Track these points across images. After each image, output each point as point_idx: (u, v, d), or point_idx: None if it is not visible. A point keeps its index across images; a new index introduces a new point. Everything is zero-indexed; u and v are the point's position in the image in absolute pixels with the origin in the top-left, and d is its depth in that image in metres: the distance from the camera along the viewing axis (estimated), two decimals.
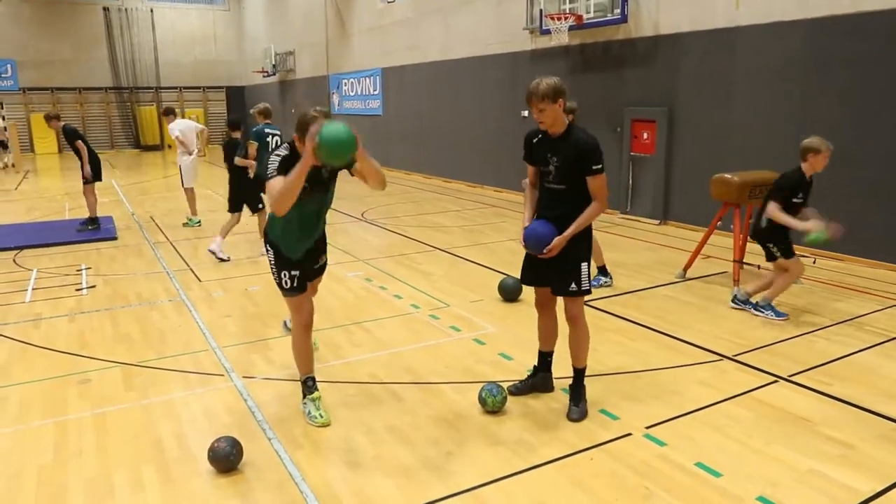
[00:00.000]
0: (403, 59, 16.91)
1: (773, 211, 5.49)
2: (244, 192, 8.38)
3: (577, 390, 4.05)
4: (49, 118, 9.80)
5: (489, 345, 5.19)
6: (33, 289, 6.96)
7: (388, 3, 17.37)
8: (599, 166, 3.72)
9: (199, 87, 28.91)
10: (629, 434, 3.77)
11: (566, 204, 3.80)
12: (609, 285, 6.71)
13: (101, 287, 7.01)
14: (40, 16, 25.66)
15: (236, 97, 28.84)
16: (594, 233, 6.53)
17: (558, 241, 3.75)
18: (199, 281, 7.21)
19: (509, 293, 6.23)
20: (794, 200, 5.51)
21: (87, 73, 26.77)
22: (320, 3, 20.88)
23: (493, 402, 3.99)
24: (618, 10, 10.20)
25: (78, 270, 7.69)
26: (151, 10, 27.61)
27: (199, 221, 10.56)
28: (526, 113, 12.75)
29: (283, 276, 3.82)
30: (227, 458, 3.40)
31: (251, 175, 8.28)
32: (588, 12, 10.59)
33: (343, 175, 3.90)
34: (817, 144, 5.50)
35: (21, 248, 8.83)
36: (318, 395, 4.01)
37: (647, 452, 3.57)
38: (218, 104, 29.16)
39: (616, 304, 6.16)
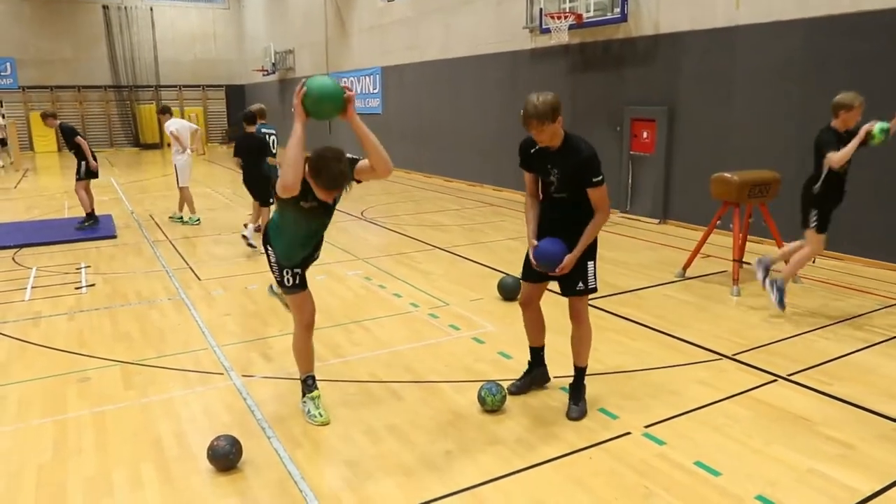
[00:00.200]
0: (403, 58, 16.90)
1: (835, 156, 5.30)
2: (259, 184, 8.47)
3: (577, 389, 4.06)
4: (46, 116, 9.77)
5: (488, 343, 5.19)
6: (32, 287, 6.96)
7: (388, 1, 17.36)
8: (600, 178, 3.70)
9: (198, 86, 28.88)
10: (628, 433, 3.77)
11: (570, 209, 3.80)
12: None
13: (100, 285, 7.00)
14: (40, 14, 25.64)
15: (236, 96, 28.82)
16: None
17: (570, 260, 3.76)
18: (199, 279, 7.21)
19: (508, 292, 6.23)
20: (843, 165, 5.40)
21: (86, 72, 26.74)
22: (320, 2, 20.86)
23: (492, 401, 3.99)
24: (618, 10, 10.20)
25: (77, 269, 7.69)
26: (151, 9, 27.58)
27: (199, 220, 10.56)
28: None
29: (284, 274, 3.82)
30: (226, 456, 3.40)
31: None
32: (588, 11, 10.59)
33: None
34: (849, 100, 5.39)
35: (20, 246, 8.82)
36: (318, 393, 4.01)
37: (646, 451, 3.57)
38: (217, 103, 29.13)
39: (615, 304, 6.16)
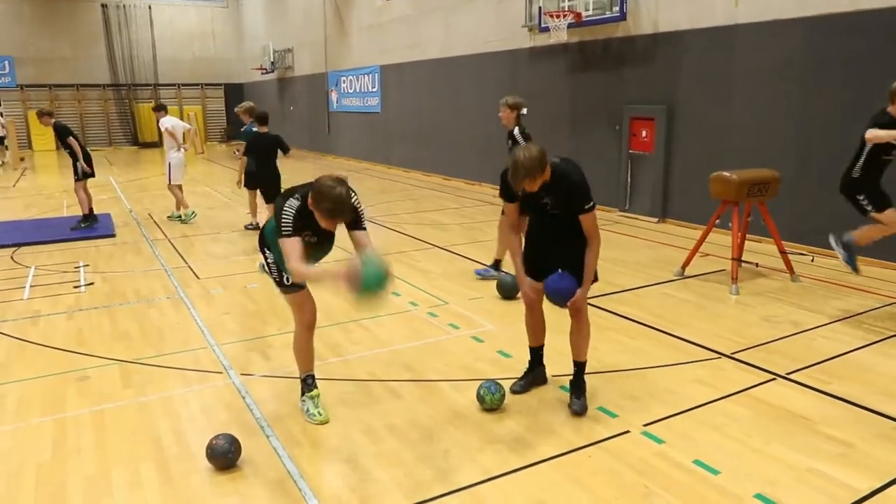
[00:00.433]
0: (402, 56, 16.89)
1: (874, 131, 5.24)
2: (272, 183, 8.60)
3: (578, 384, 4.08)
4: (41, 114, 9.74)
5: (488, 342, 5.19)
6: (31, 286, 6.95)
7: (387, 0, 17.34)
8: (590, 203, 3.73)
9: (197, 85, 28.85)
10: (627, 432, 3.77)
11: (568, 221, 3.80)
12: (495, 278, 6.75)
13: (99, 284, 7.00)
14: (39, 13, 25.60)
15: (235, 94, 28.77)
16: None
17: (581, 294, 3.80)
18: (198, 278, 7.20)
19: (508, 291, 6.23)
20: (885, 157, 5.38)
21: (85, 71, 26.70)
22: (319, 1, 20.84)
23: (491, 400, 3.99)
24: (617, 8, 10.19)
25: (76, 268, 7.68)
26: (150, 7, 27.54)
27: (195, 213, 10.56)
28: (526, 111, 12.72)
29: (283, 274, 3.81)
30: (225, 455, 3.40)
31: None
32: (587, 10, 10.58)
33: None
34: None
35: (19, 245, 8.82)
36: (317, 392, 4.01)
37: (645, 450, 3.58)
38: (216, 101, 29.11)
39: (614, 302, 6.16)
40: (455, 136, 15.14)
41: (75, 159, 9.62)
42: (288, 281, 3.82)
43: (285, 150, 8.95)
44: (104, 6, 26.77)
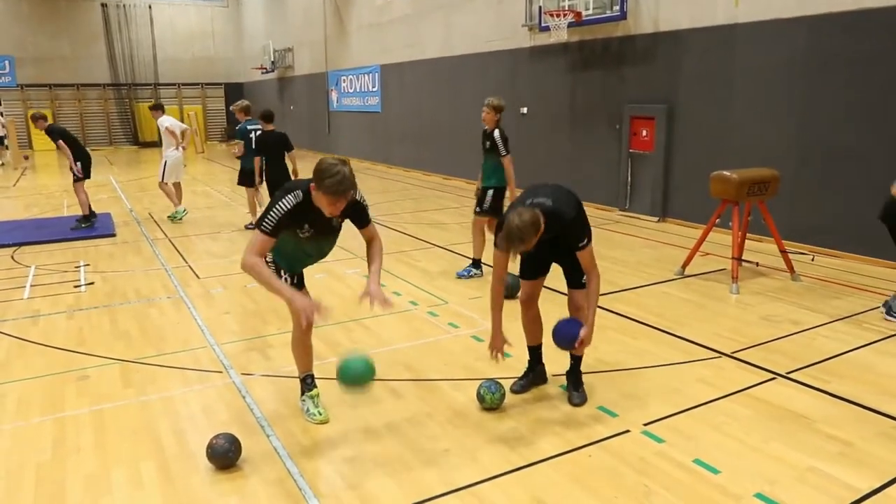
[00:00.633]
0: (403, 56, 16.88)
1: None
2: (282, 180, 8.68)
3: (575, 376, 4.12)
4: (35, 119, 9.77)
5: (487, 341, 5.17)
6: (31, 285, 6.95)
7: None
8: (584, 242, 3.73)
9: (197, 84, 28.86)
10: (627, 431, 3.77)
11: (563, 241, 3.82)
12: (479, 276, 6.94)
13: (99, 284, 7.00)
14: (39, 12, 25.60)
15: (235, 94, 28.71)
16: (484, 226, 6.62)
17: (587, 335, 3.78)
18: (198, 278, 7.20)
19: (508, 290, 6.19)
20: None
21: (85, 70, 26.71)
22: (319, 0, 20.84)
23: (491, 399, 3.99)
24: (617, 7, 10.18)
25: (76, 267, 7.68)
26: (150, 7, 27.55)
27: (185, 210, 10.57)
28: (525, 110, 12.75)
29: (282, 275, 3.80)
30: (225, 454, 3.40)
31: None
32: (587, 9, 10.57)
33: None
34: None
35: (19, 244, 8.82)
36: (317, 392, 4.01)
37: (645, 449, 3.57)
38: (216, 101, 29.11)
39: (614, 301, 6.16)
40: (455, 136, 15.13)
41: (77, 159, 9.64)
42: (286, 282, 3.81)
43: (289, 149, 8.98)
44: (104, 5, 26.78)
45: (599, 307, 5.88)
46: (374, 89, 18.52)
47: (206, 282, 7.04)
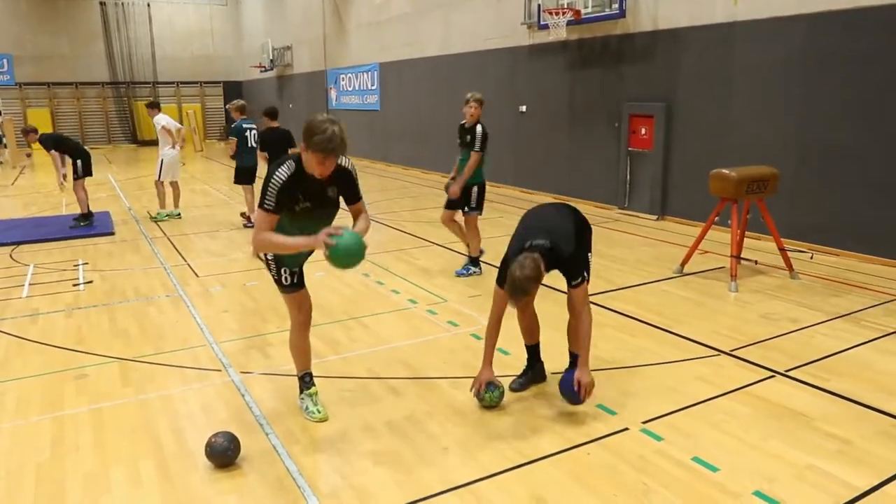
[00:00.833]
0: (401, 54, 16.88)
1: None
2: None
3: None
4: (27, 133, 9.81)
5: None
6: (30, 284, 6.94)
7: None
8: (579, 280, 3.79)
9: (196, 82, 28.83)
10: (626, 429, 3.77)
11: None
12: (479, 274, 6.96)
13: (98, 282, 7.00)
14: (37, 10, 25.56)
15: (234, 92, 28.69)
16: (478, 222, 6.85)
17: (581, 376, 3.83)
18: (197, 276, 7.20)
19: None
20: None
21: (84, 68, 26.68)
22: None
23: (489, 398, 3.99)
24: (616, 5, 10.18)
25: (75, 266, 7.68)
26: (148, 5, 27.52)
27: (168, 215, 10.60)
28: (524, 108, 12.75)
29: (282, 272, 3.80)
30: (224, 453, 3.40)
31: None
32: (586, 7, 10.57)
33: None
34: None
35: (18, 243, 8.81)
36: (315, 390, 4.01)
37: (644, 447, 3.58)
38: (215, 99, 29.08)
39: (614, 300, 6.16)
40: (454, 134, 15.04)
41: (77, 158, 9.66)
42: (286, 280, 3.81)
43: (293, 146, 9.02)
44: (102, 4, 26.74)
45: (599, 305, 5.91)
46: (373, 88, 18.51)
47: (204, 280, 7.04)
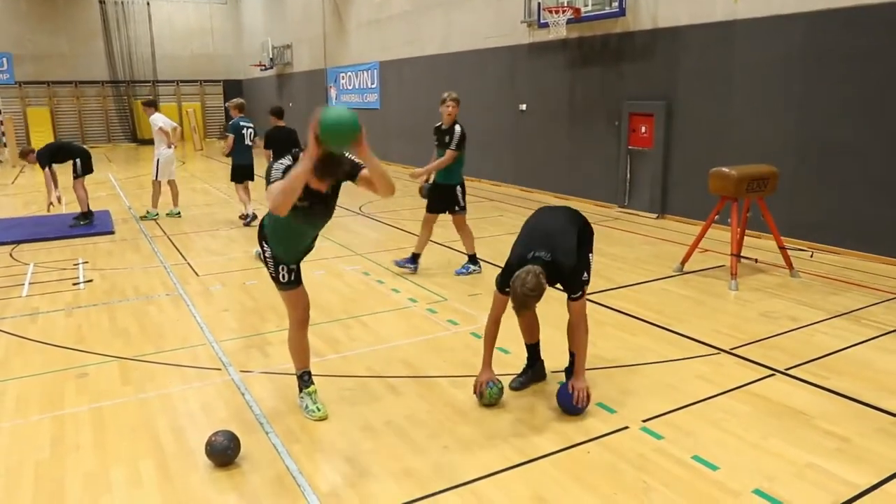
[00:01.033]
0: (401, 52, 16.86)
1: None
2: None
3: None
4: (24, 154, 9.84)
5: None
6: (30, 283, 6.94)
7: None
8: (578, 294, 3.83)
9: (196, 81, 28.81)
10: (626, 427, 3.77)
11: None
12: (479, 272, 6.96)
13: (98, 281, 6.99)
14: (37, 9, 25.54)
15: (234, 91, 28.67)
16: (468, 222, 6.88)
17: (576, 384, 3.87)
18: (197, 275, 7.20)
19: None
20: None
21: (83, 67, 26.65)
22: None
23: (489, 394, 4.00)
24: (616, 4, 10.17)
25: (75, 265, 7.68)
26: (148, 4, 27.49)
27: (157, 214, 10.66)
28: (524, 107, 12.74)
29: (279, 269, 3.81)
30: (224, 452, 3.40)
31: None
32: (586, 5, 10.55)
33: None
34: None
35: (18, 242, 8.81)
36: (314, 389, 4.01)
37: (644, 446, 3.58)
38: (215, 98, 29.06)
39: (614, 298, 6.16)
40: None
41: (75, 157, 9.71)
42: (283, 277, 3.81)
43: (297, 146, 9.06)
44: (102, 2, 26.71)
45: (598, 303, 5.90)
46: (373, 86, 18.50)
47: (204, 279, 7.03)
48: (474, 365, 4.66)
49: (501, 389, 4.06)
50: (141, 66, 27.57)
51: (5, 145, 20.38)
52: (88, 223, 9.80)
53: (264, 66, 24.89)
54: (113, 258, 8.03)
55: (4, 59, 25.15)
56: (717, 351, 4.89)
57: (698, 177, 8.25)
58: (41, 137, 25.31)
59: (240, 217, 10.14)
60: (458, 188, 6.88)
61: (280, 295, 3.94)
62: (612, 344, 5.02)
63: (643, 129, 10.25)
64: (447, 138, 6.73)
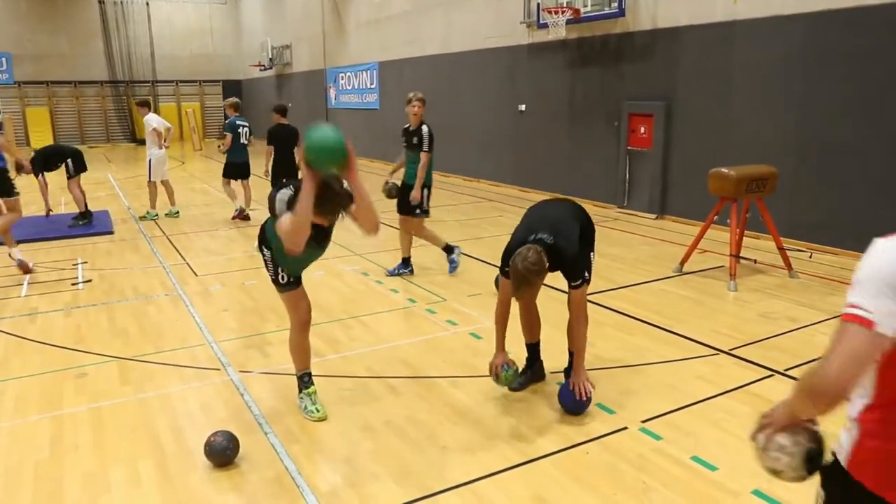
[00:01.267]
0: (401, 53, 16.86)
1: None
2: (290, 172, 8.85)
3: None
4: (20, 168, 9.84)
5: (486, 339, 5.18)
6: (29, 283, 6.94)
7: None
8: (579, 281, 3.80)
9: (195, 81, 28.81)
10: (625, 428, 3.77)
11: None
12: (411, 273, 6.98)
13: (97, 281, 6.99)
14: (36, 9, 25.53)
15: (233, 91, 28.66)
16: (427, 223, 6.75)
17: (575, 379, 3.87)
18: (196, 275, 7.19)
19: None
20: None
21: (83, 67, 26.64)
22: None
23: (506, 377, 3.97)
24: (615, 4, 10.17)
25: (74, 265, 7.67)
26: (147, 4, 27.48)
27: (157, 214, 10.66)
28: (523, 107, 12.74)
29: (279, 271, 3.81)
30: (223, 452, 3.40)
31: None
32: (585, 6, 10.56)
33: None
34: None
35: (17, 242, 8.77)
36: (314, 389, 4.01)
37: (643, 446, 3.58)
38: (215, 98, 29.05)
39: (613, 299, 6.16)
40: (453, 133, 15.09)
41: (69, 157, 9.74)
42: (283, 279, 3.81)
43: (299, 144, 9.14)
44: (101, 3, 26.69)
45: (598, 304, 5.90)
46: (373, 86, 18.49)
47: (204, 279, 7.03)
48: (474, 365, 4.68)
49: (517, 371, 4.04)
50: (140, 66, 27.56)
51: None
52: (87, 223, 9.80)
53: (263, 66, 24.90)
54: (112, 258, 8.03)
55: (4, 59, 25.17)
56: (716, 351, 4.90)
57: (698, 177, 8.25)
58: (40, 138, 25.33)
59: (241, 216, 10.18)
60: (425, 190, 6.77)
61: (280, 297, 3.94)
62: (611, 344, 5.02)
63: (642, 130, 10.25)
64: (415, 139, 6.69)
